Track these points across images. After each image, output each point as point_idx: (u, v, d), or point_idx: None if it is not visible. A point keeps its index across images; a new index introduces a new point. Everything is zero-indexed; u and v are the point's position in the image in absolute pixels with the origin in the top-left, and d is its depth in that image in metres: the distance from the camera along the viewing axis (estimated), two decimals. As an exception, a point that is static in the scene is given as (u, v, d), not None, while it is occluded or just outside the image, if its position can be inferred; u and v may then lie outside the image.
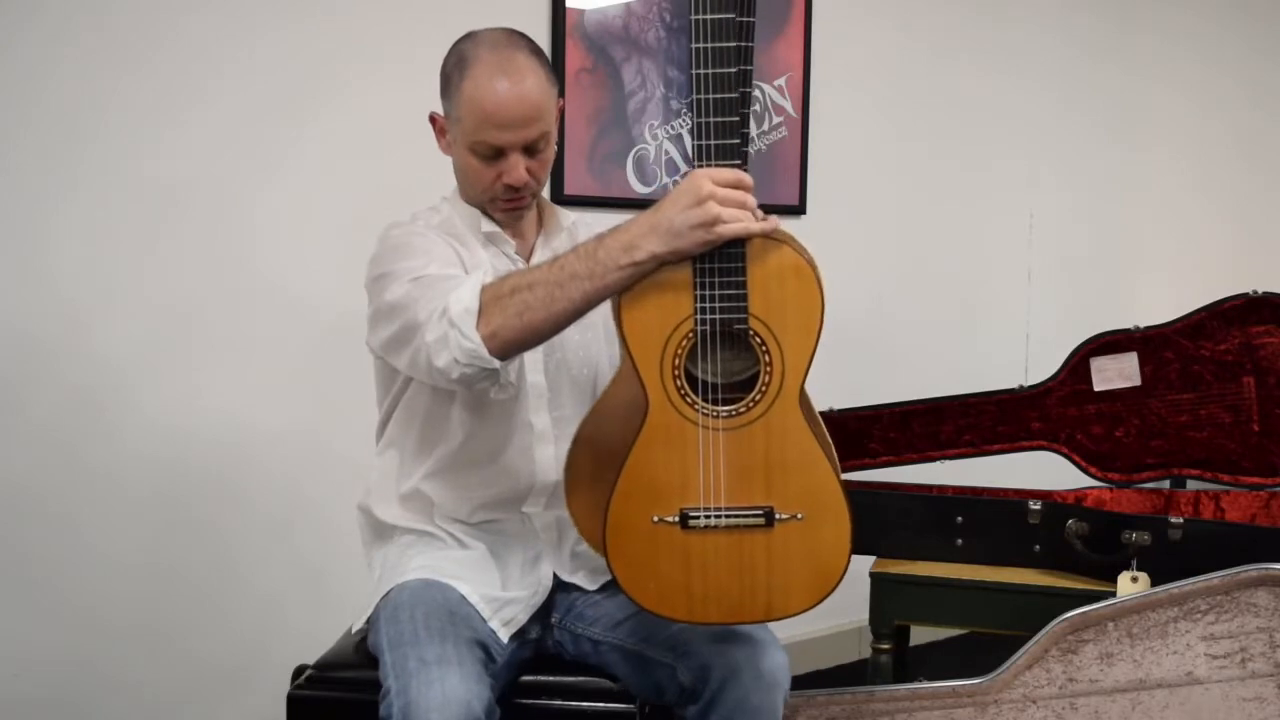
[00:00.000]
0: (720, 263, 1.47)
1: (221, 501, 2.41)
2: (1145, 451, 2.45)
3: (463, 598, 1.64)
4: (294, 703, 1.71)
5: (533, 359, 1.71)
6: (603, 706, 1.71)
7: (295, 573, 2.49)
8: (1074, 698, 1.95)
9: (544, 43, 2.67)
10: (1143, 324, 2.42)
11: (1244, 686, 1.92)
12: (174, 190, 2.32)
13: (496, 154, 1.65)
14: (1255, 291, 2.37)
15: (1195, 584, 1.91)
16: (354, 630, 1.80)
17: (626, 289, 1.47)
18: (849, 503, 1.53)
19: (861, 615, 2.33)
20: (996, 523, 2.27)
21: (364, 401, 1.83)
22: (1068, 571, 2.21)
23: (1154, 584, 2.02)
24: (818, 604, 1.55)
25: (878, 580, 2.27)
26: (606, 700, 1.71)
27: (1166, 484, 2.60)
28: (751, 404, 1.51)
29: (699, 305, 1.47)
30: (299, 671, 1.75)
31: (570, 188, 2.77)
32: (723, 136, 1.46)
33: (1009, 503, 2.27)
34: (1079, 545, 2.19)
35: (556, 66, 2.71)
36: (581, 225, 1.84)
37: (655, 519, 1.52)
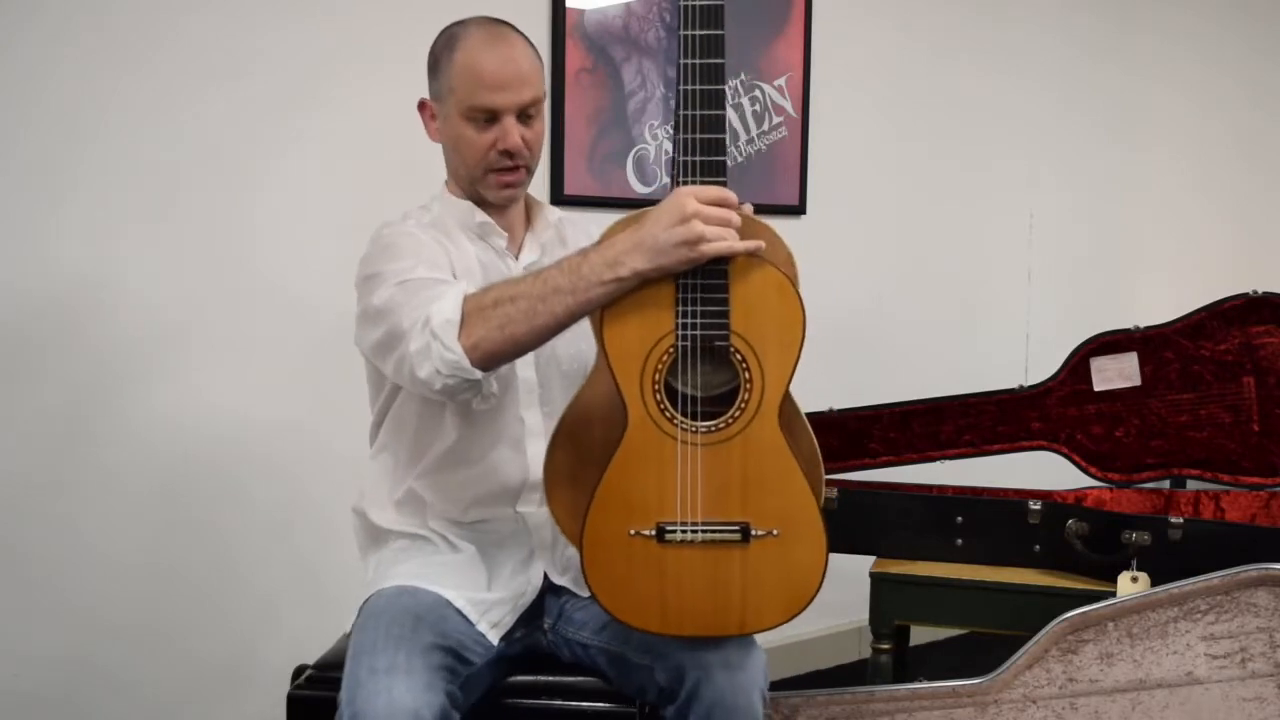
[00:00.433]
0: (703, 279, 1.47)
1: (221, 501, 2.41)
2: (1145, 451, 2.45)
3: (446, 602, 1.64)
4: (294, 703, 1.71)
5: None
6: (603, 707, 1.71)
7: (295, 572, 2.48)
8: (1074, 698, 1.95)
9: (544, 43, 2.67)
10: (1143, 324, 2.42)
11: (1244, 686, 1.92)
12: (173, 190, 2.32)
13: (491, 119, 1.67)
14: (1255, 291, 2.37)
15: (1195, 584, 1.91)
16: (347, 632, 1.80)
17: (608, 304, 1.48)
18: (825, 520, 1.55)
19: (861, 615, 2.33)
20: (996, 523, 2.27)
21: (363, 401, 1.83)
22: (1068, 571, 2.21)
23: (1154, 584, 2.02)
24: (792, 619, 1.56)
25: (878, 580, 2.27)
26: (607, 701, 1.71)
27: (1166, 484, 2.60)
28: (731, 420, 1.51)
29: (680, 321, 1.48)
30: (299, 671, 1.75)
31: (570, 188, 2.78)
32: (707, 153, 1.46)
33: (1009, 503, 2.27)
34: (1079, 545, 2.18)
35: (556, 66, 2.71)
36: (568, 223, 1.86)
37: (632, 532, 1.53)
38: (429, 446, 1.73)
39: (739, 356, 1.50)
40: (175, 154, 2.31)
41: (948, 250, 3.51)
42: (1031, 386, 2.48)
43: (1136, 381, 2.43)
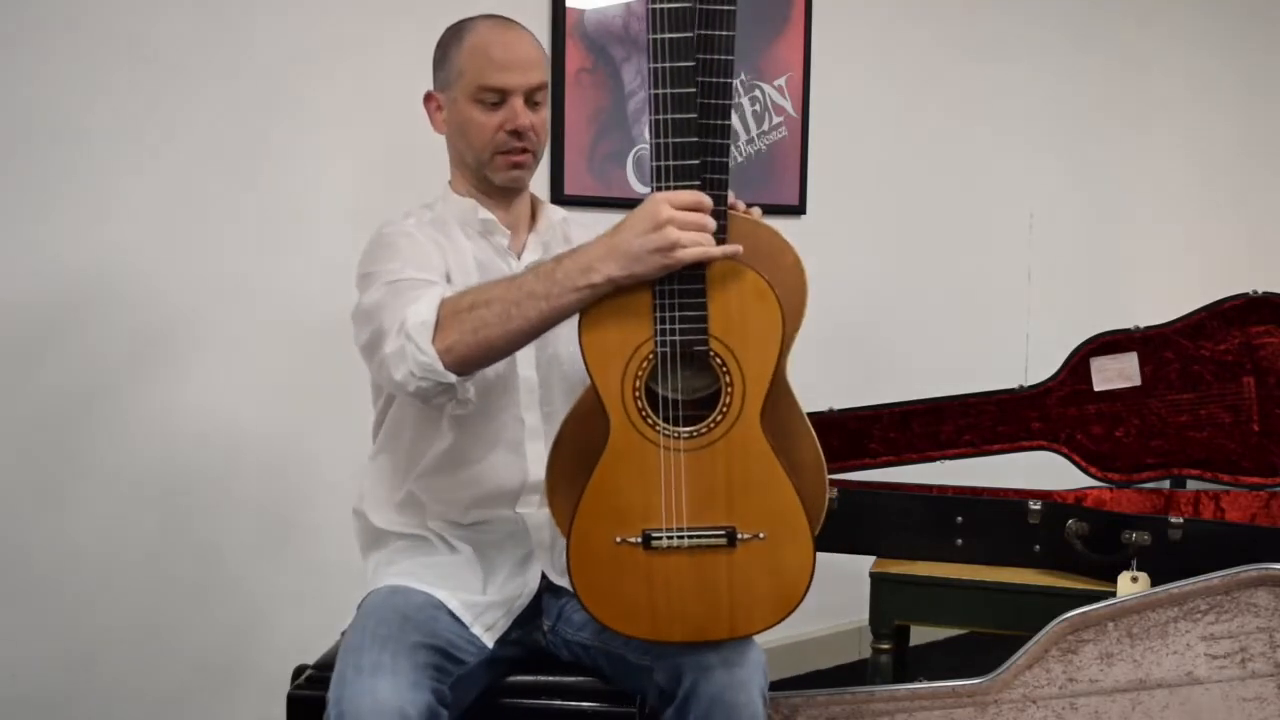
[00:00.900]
0: (680, 284, 1.47)
1: (221, 501, 2.41)
2: (1145, 451, 2.45)
3: (438, 602, 1.65)
4: (294, 703, 1.71)
5: (525, 355, 1.71)
6: (602, 707, 1.71)
7: (295, 573, 2.48)
8: (1074, 698, 1.95)
9: (544, 43, 2.65)
10: (1143, 324, 2.42)
11: (1244, 686, 1.92)
12: (170, 191, 2.32)
13: (499, 100, 1.68)
14: (1255, 291, 2.37)
15: (1195, 584, 1.91)
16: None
17: (585, 310, 1.48)
18: (818, 522, 1.55)
19: (861, 615, 2.33)
20: (996, 523, 2.27)
21: (364, 402, 1.83)
22: (1068, 571, 2.21)
23: (1154, 584, 2.02)
24: (781, 621, 1.56)
25: (878, 580, 2.27)
26: (606, 701, 1.71)
27: (1166, 484, 2.60)
28: (713, 424, 1.51)
29: (659, 327, 1.48)
30: (299, 671, 1.75)
31: (570, 188, 2.77)
32: (680, 157, 1.46)
33: (1009, 503, 2.27)
34: (1079, 545, 2.18)
35: (556, 66, 2.71)
36: (573, 223, 1.86)
37: (618, 539, 1.53)
38: (427, 449, 1.73)
39: (719, 361, 1.50)
40: (173, 154, 2.31)
41: (948, 250, 3.51)
42: (1031, 386, 2.48)
43: (1136, 381, 2.43)
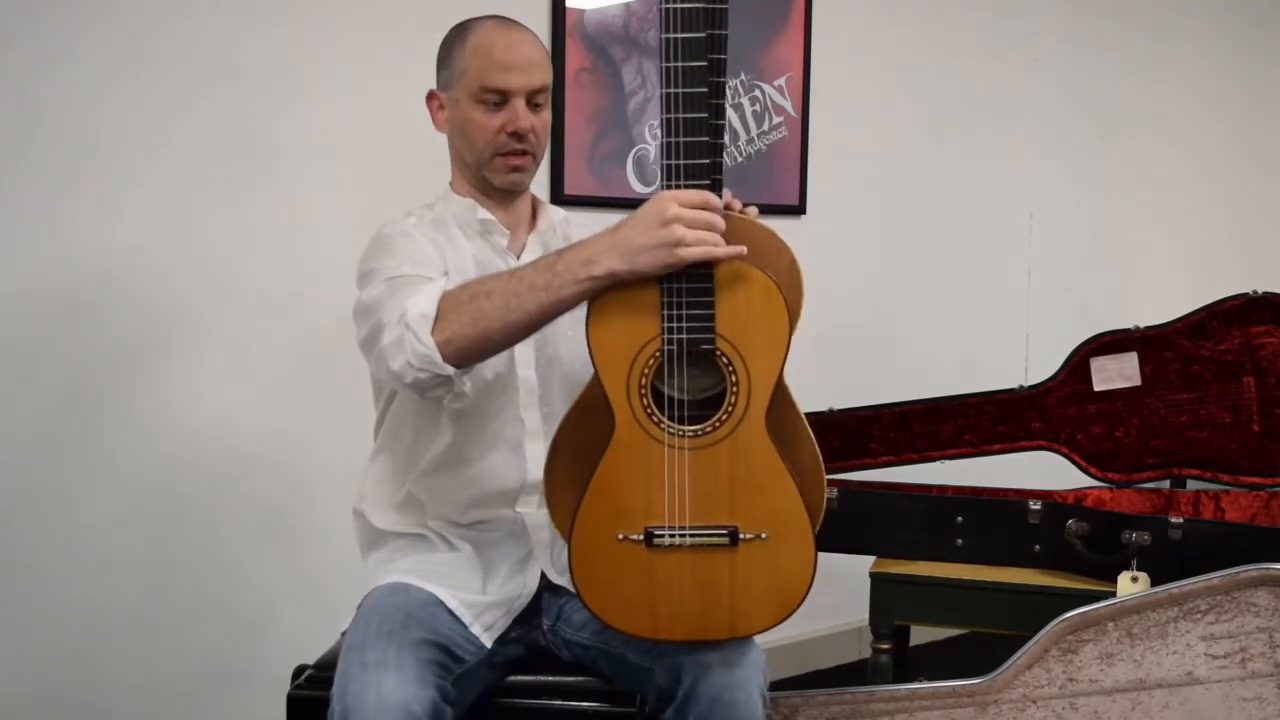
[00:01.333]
0: (688, 283, 1.47)
1: (221, 500, 2.41)
2: (1145, 451, 2.45)
3: (438, 600, 1.65)
4: (294, 703, 1.71)
5: (524, 355, 1.71)
6: (603, 707, 1.71)
7: (295, 572, 2.48)
8: (1074, 698, 1.95)
9: (544, 43, 2.66)
10: (1143, 324, 2.42)
11: (1244, 686, 1.92)
12: (172, 191, 2.32)
13: (501, 100, 1.69)
14: (1255, 291, 2.37)
15: (1195, 584, 1.91)
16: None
17: (588, 304, 1.48)
18: (817, 523, 1.55)
19: (861, 615, 2.33)
20: (996, 523, 2.27)
21: (365, 401, 1.83)
22: (1068, 571, 2.21)
23: (1154, 584, 2.02)
24: (781, 622, 1.56)
25: (878, 580, 2.27)
26: (606, 701, 1.71)
27: (1166, 484, 2.60)
28: (718, 424, 1.51)
29: (666, 325, 1.48)
30: (299, 671, 1.75)
31: (570, 188, 2.77)
32: (690, 156, 1.46)
33: (1009, 503, 2.27)
34: (1079, 545, 2.18)
35: (556, 66, 2.71)
36: (573, 223, 1.86)
37: (620, 537, 1.53)
38: (426, 449, 1.73)
39: (725, 360, 1.50)
40: (175, 154, 2.31)
41: (948, 250, 3.51)
42: (1031, 386, 2.48)
43: (1136, 381, 2.43)
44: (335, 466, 2.37)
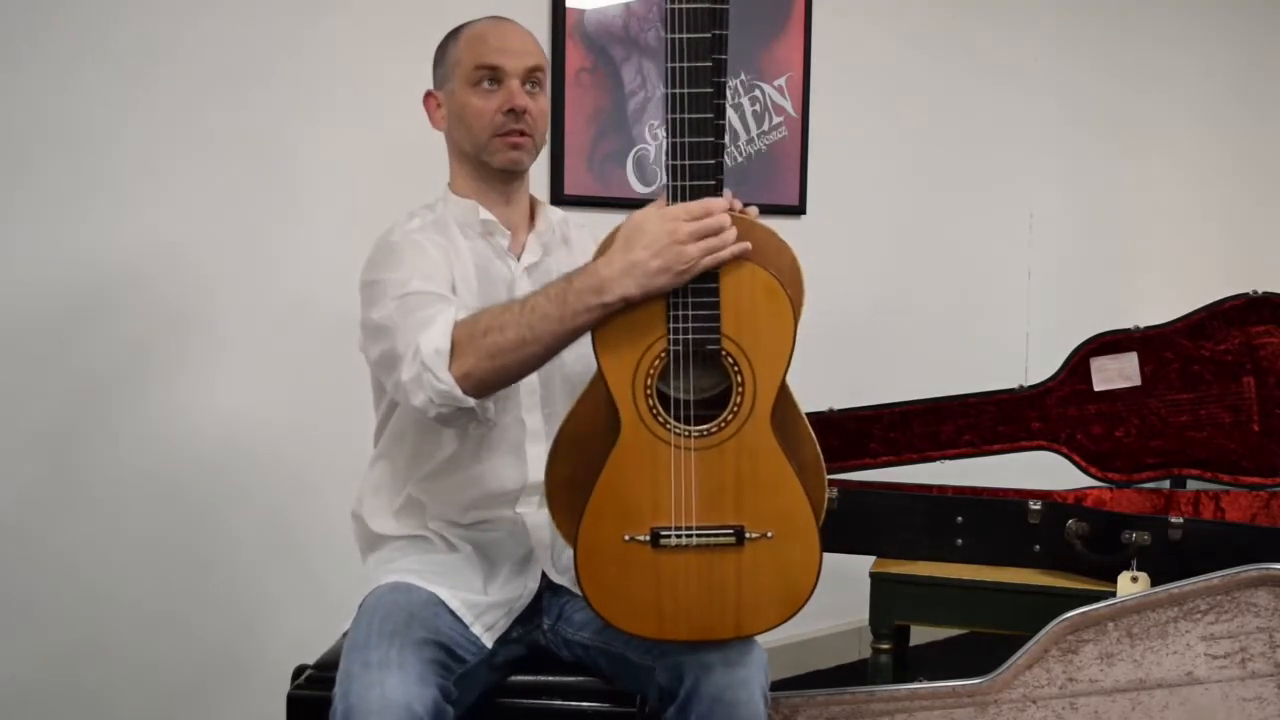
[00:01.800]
0: (693, 283, 1.48)
1: (222, 500, 2.41)
2: (1145, 451, 2.45)
3: (439, 600, 1.65)
4: (294, 703, 1.71)
5: None
6: (603, 707, 1.71)
7: (295, 572, 2.48)
8: (1074, 698, 1.95)
9: (544, 43, 2.65)
10: (1143, 324, 2.42)
11: (1244, 686, 1.92)
12: (176, 191, 2.32)
13: (496, 80, 1.70)
14: (1255, 291, 2.37)
15: (1195, 584, 1.91)
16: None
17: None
18: (818, 522, 1.55)
19: (861, 615, 2.33)
20: (996, 523, 2.27)
21: (366, 402, 1.84)
22: (1068, 571, 2.21)
23: (1154, 584, 2.02)
24: (787, 620, 1.56)
25: (878, 580, 2.27)
26: (606, 701, 1.71)
27: (1166, 484, 2.60)
28: (723, 423, 1.51)
29: (672, 326, 1.48)
30: (299, 671, 1.75)
31: (570, 188, 2.77)
32: (698, 156, 1.46)
33: (1009, 503, 2.28)
34: (1079, 545, 2.19)
35: (556, 66, 2.71)
36: (572, 223, 1.86)
37: (626, 537, 1.53)
38: (429, 456, 1.73)
39: (730, 359, 1.50)
40: (178, 154, 2.31)
41: (947, 250, 3.51)
42: (1031, 386, 2.48)
43: (1136, 381, 2.43)
44: (338, 466, 2.37)
